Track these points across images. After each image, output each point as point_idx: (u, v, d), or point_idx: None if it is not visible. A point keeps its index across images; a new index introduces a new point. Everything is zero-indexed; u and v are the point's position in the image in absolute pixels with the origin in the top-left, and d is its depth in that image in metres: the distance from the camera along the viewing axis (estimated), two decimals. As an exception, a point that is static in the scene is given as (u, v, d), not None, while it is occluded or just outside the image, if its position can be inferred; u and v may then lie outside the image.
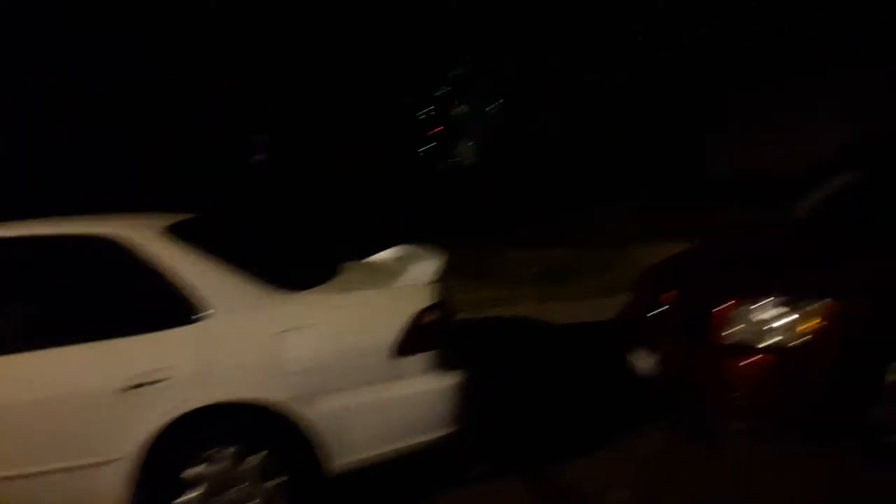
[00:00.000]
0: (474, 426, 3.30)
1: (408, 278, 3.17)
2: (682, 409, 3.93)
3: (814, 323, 3.21)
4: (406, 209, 13.30)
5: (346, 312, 3.01)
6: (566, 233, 10.33)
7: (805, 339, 3.21)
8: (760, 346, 3.29)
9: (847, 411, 3.25)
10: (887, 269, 3.40)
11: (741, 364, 3.30)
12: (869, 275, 3.40)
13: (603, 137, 16.19)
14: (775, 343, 3.26)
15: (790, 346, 3.23)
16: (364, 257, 4.10)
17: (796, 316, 3.24)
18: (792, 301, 3.27)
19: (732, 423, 3.68)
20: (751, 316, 3.34)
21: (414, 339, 2.95)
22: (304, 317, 2.93)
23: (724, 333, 3.39)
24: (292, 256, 3.96)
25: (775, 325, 3.28)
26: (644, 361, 3.88)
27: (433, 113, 19.93)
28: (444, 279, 3.36)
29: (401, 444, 3.00)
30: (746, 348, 3.32)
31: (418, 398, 2.97)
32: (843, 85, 11.76)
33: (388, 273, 3.32)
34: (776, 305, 3.30)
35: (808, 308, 3.23)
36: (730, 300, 3.42)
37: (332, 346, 2.90)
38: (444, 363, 3.05)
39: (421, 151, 19.87)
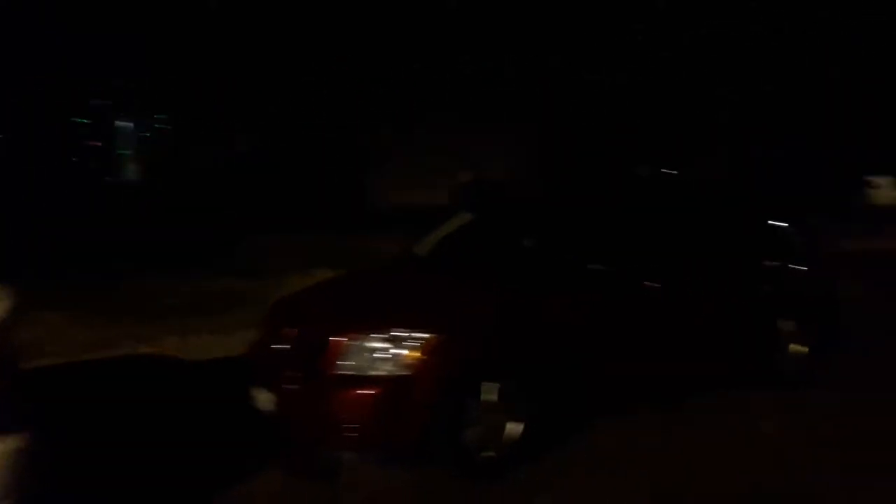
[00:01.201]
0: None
1: None
2: (299, 446, 3.85)
3: (418, 355, 3.39)
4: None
5: None
6: (225, 262, 9.87)
7: (410, 370, 3.37)
8: (369, 377, 3.37)
9: (447, 434, 3.46)
10: (485, 304, 3.77)
11: (351, 395, 3.35)
12: (469, 310, 3.73)
13: (272, 168, 16.07)
14: (383, 374, 3.37)
15: (396, 377, 3.36)
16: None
17: (403, 349, 3.39)
18: (400, 335, 3.42)
19: (345, 454, 3.72)
20: (362, 349, 3.42)
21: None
22: None
23: (336, 366, 3.42)
24: None
25: (384, 356, 3.39)
26: (266, 399, 3.73)
27: (89, 124, 17.83)
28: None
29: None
30: (357, 380, 3.38)
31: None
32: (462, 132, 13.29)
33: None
34: (385, 339, 3.42)
35: (414, 342, 3.41)
36: (344, 334, 3.47)
37: None
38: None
39: (76, 160, 17.62)
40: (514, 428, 3.67)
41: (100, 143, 17.70)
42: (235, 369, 4.57)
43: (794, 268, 5.10)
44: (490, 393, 3.58)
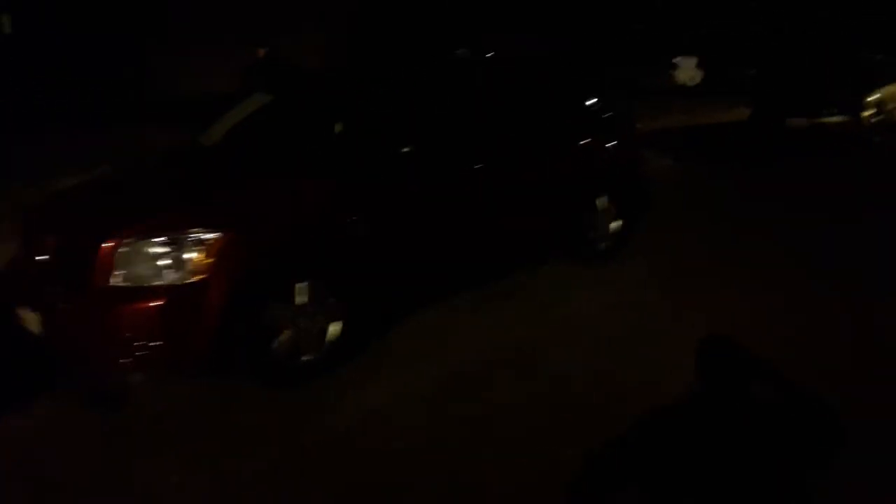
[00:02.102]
0: None
1: None
2: (74, 372, 3.39)
3: (206, 258, 2.97)
4: None
5: None
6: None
7: (198, 276, 2.96)
8: (150, 287, 2.93)
9: (249, 343, 3.16)
10: (282, 197, 3.37)
11: (130, 309, 2.89)
12: (263, 205, 3.30)
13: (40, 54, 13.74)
14: (167, 283, 2.94)
15: (182, 285, 2.94)
16: None
17: (188, 253, 2.96)
18: (183, 236, 2.96)
19: (129, 376, 3.34)
20: (139, 255, 2.94)
21: None
22: None
23: (109, 276, 2.93)
24: None
25: (166, 262, 2.95)
26: (32, 319, 3.18)
27: None
28: None
29: None
30: (135, 292, 2.92)
31: None
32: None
33: None
34: (167, 242, 2.95)
35: (200, 243, 2.97)
36: (115, 239, 2.95)
37: None
38: None
39: None
40: (329, 329, 3.46)
41: None
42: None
43: (609, 145, 5.13)
44: (300, 294, 3.30)
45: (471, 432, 2.94)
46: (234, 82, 7.16)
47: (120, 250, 2.94)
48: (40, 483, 2.68)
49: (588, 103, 5.14)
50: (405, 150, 3.72)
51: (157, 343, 2.93)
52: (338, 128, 3.89)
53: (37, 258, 3.29)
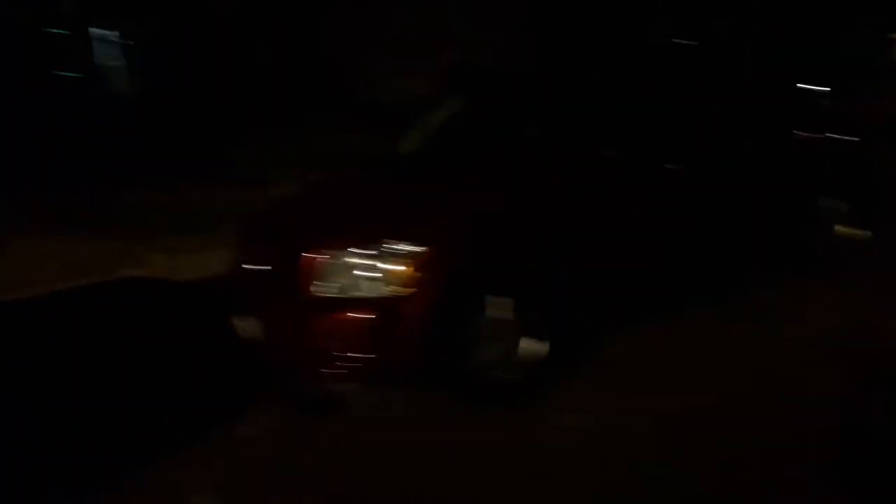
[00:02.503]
0: None
1: None
2: (290, 380, 3.47)
3: (407, 270, 2.90)
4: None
5: None
6: (220, 171, 9.35)
7: (399, 289, 2.89)
8: (353, 298, 2.91)
9: (451, 356, 3.04)
10: (484, 207, 3.21)
11: (334, 320, 2.90)
12: (465, 216, 3.16)
13: (261, 69, 15.11)
14: (369, 295, 2.90)
15: (383, 298, 2.89)
16: None
17: (389, 265, 2.90)
18: (384, 249, 2.91)
19: (342, 385, 3.35)
20: (341, 267, 2.93)
21: None
22: None
23: (313, 287, 2.95)
24: None
25: (367, 275, 2.91)
26: (249, 326, 3.32)
27: (67, 34, 16.85)
28: None
29: None
30: (338, 303, 2.92)
31: None
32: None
33: None
34: (368, 255, 2.92)
35: (401, 256, 2.91)
36: (319, 251, 2.98)
37: None
38: None
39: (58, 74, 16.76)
40: (530, 346, 3.23)
41: (80, 54, 16.80)
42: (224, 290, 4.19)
43: (833, 137, 4.43)
44: (499, 309, 3.12)
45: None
46: (435, 85, 7.23)
47: (324, 261, 2.95)
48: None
49: (804, 89, 4.44)
50: (614, 150, 3.39)
51: (360, 354, 2.92)
52: (539, 130, 3.66)
53: (252, 266, 3.44)
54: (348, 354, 2.92)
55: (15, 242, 6.36)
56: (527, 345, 3.23)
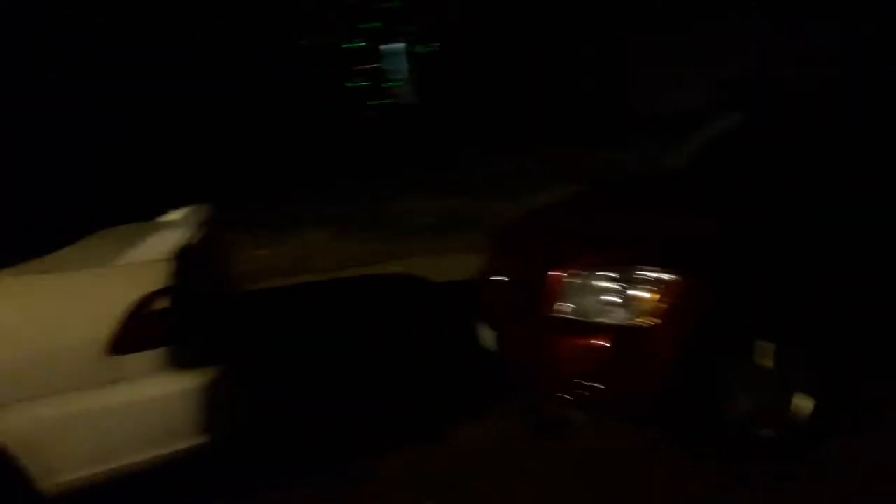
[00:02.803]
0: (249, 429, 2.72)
1: (137, 254, 2.50)
2: (524, 396, 3.38)
3: (660, 300, 2.63)
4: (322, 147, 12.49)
5: (38, 300, 2.32)
6: (474, 178, 9.72)
7: (648, 318, 2.63)
8: (594, 323, 2.71)
9: (702, 402, 2.70)
10: (759, 237, 2.81)
11: (572, 344, 2.73)
12: (736, 245, 2.79)
13: (530, 79, 15.39)
14: (612, 322, 2.69)
15: (629, 326, 2.65)
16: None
17: (640, 291, 2.65)
18: (635, 273, 2.67)
19: (573, 411, 3.17)
20: (586, 288, 2.75)
21: (131, 334, 2.30)
22: None
23: (555, 307, 2.81)
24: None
25: (613, 299, 2.70)
26: (489, 337, 3.30)
27: (363, 47, 18.76)
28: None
29: (132, 459, 2.37)
30: (578, 326, 2.74)
31: (143, 405, 2.33)
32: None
33: (131, 245, 2.63)
34: (616, 278, 2.70)
35: (653, 283, 2.64)
36: (564, 269, 2.83)
37: (17, 345, 2.23)
38: (185, 360, 2.41)
39: (351, 85, 18.78)
40: (800, 400, 2.78)
41: (372, 67, 18.57)
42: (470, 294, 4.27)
43: None
44: (762, 354, 2.72)
45: None
46: (711, 99, 6.69)
47: (567, 281, 2.80)
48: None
49: None
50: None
51: (595, 382, 2.70)
52: (822, 153, 3.14)
53: (498, 277, 3.40)
54: (583, 381, 2.72)
55: (296, 236, 7.22)
56: (797, 398, 2.77)
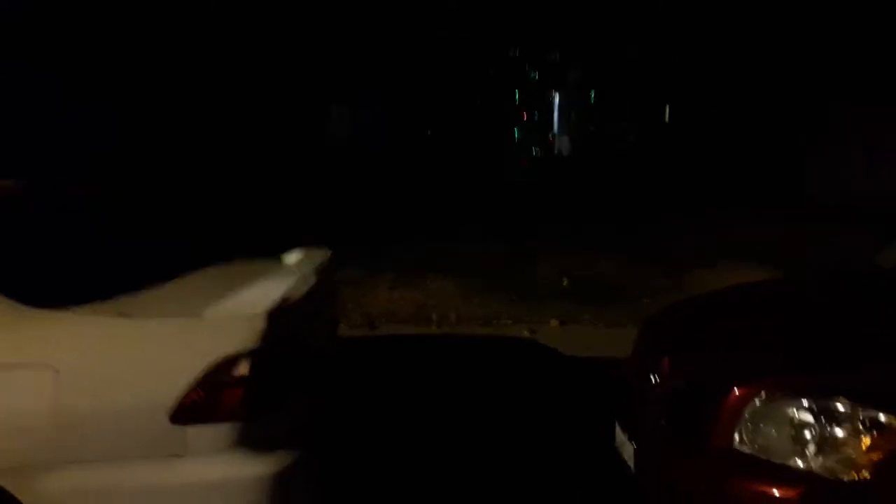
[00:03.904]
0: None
1: (232, 304, 2.13)
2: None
3: (874, 450, 1.93)
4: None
5: (105, 347, 1.98)
6: (627, 242, 8.92)
7: (855, 471, 1.94)
8: (780, 466, 2.04)
9: None
10: None
11: (757, 489, 2.04)
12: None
13: (701, 141, 14.41)
14: (817, 466, 2.00)
15: (828, 478, 1.96)
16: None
17: (847, 433, 1.97)
18: (841, 408, 2.00)
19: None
20: (773, 416, 2.09)
21: (204, 402, 1.92)
22: (34, 349, 1.95)
23: (732, 436, 2.14)
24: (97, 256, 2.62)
25: (809, 437, 2.02)
26: (626, 448, 2.67)
27: (524, 97, 18.62)
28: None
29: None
30: (759, 466, 2.07)
31: (201, 489, 1.93)
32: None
33: (229, 291, 2.27)
34: (814, 409, 2.03)
35: (868, 424, 1.96)
36: (753, 384, 2.17)
37: (74, 397, 1.89)
38: (260, 439, 1.99)
39: (517, 135, 18.68)
40: None
41: (528, 117, 18.40)
42: (607, 382, 3.62)
43: None
44: None
45: None
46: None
47: (751, 403, 2.12)
48: None
49: None
50: None
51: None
52: None
53: (647, 374, 2.75)
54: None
55: (431, 280, 6.82)
56: None
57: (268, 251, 3.10)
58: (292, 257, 3.03)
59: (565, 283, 6.76)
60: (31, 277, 2.15)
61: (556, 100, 19.17)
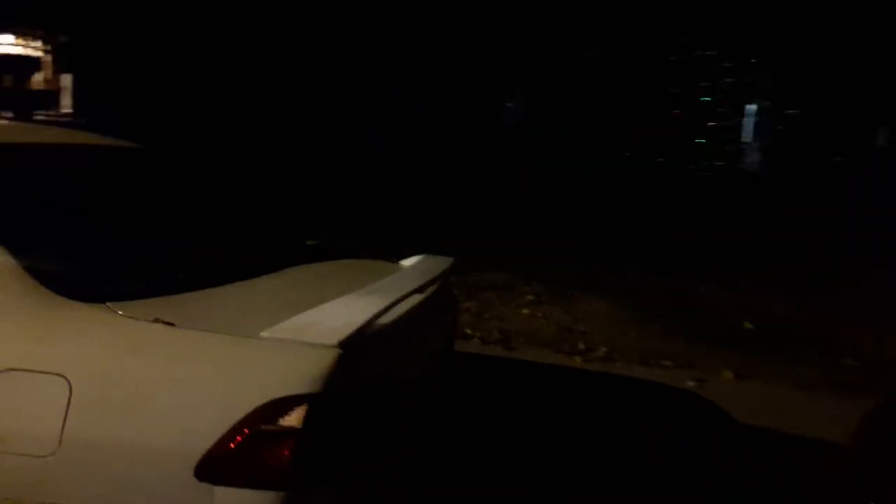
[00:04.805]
0: None
1: (305, 322, 1.60)
2: None
3: None
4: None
5: (132, 363, 1.50)
6: (828, 280, 7.54)
7: None
8: None
9: None
10: None
11: None
12: None
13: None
14: None
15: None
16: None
17: None
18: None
19: None
20: None
21: (239, 457, 1.42)
22: (48, 351, 1.53)
23: None
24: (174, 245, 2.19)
25: None
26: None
27: (710, 104, 17.15)
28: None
29: None
30: None
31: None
32: None
33: (311, 298, 1.77)
34: None
35: None
36: None
37: (83, 423, 1.45)
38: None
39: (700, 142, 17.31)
40: None
41: (713, 126, 16.85)
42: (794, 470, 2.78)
43: None
44: None
45: None
46: None
47: None
48: None
49: None
50: None
51: None
52: None
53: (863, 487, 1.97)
54: None
55: (586, 302, 6.07)
56: None
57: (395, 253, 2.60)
58: (407, 263, 2.50)
59: (747, 325, 5.70)
60: (72, 259, 1.75)
61: (749, 110, 17.50)
